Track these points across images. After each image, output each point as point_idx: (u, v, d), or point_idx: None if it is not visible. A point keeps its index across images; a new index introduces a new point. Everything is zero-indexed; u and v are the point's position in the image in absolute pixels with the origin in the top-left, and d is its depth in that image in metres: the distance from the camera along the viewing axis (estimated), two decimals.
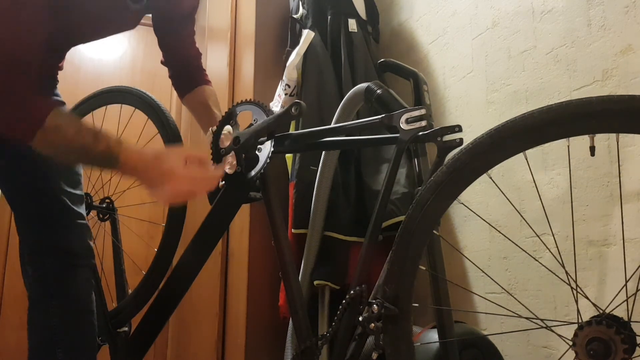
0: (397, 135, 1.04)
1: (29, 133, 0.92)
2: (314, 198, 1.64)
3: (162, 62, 1.42)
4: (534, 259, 1.11)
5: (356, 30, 1.95)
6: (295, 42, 1.93)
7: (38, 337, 1.14)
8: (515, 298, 1.09)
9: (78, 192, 1.25)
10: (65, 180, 1.21)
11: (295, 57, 1.85)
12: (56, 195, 1.19)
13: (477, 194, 1.60)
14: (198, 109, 1.41)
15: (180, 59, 1.41)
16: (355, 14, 1.98)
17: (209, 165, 1.13)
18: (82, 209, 1.24)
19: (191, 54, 1.42)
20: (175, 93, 1.47)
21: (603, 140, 1.26)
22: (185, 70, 1.42)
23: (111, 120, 1.60)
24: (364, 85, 1.29)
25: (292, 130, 1.88)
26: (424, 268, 0.91)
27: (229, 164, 1.18)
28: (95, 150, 0.97)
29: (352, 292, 0.99)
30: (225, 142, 1.17)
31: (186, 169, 1.03)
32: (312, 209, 1.64)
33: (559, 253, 0.90)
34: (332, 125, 1.43)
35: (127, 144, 1.00)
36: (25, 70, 0.96)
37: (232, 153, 1.17)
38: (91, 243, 1.25)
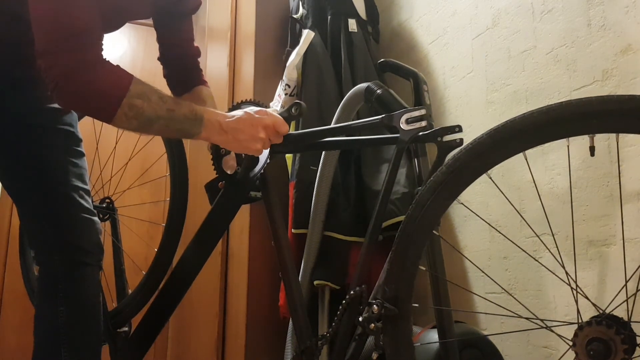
0: (397, 135, 1.04)
1: (115, 104, 0.91)
2: (314, 198, 1.64)
3: (158, 59, 1.40)
4: (534, 259, 1.11)
5: (356, 30, 1.95)
6: (295, 42, 1.93)
7: (44, 337, 1.12)
8: (515, 298, 1.09)
9: (85, 186, 1.21)
10: (72, 174, 1.18)
11: (295, 57, 1.85)
12: (64, 190, 1.15)
13: (477, 194, 1.59)
14: None
15: (179, 55, 1.38)
16: (355, 14, 1.98)
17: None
18: (90, 204, 1.20)
19: (190, 52, 1.40)
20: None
21: (603, 140, 1.26)
22: (183, 69, 1.40)
23: None
24: (364, 85, 1.29)
25: (292, 130, 1.89)
26: (424, 268, 0.91)
27: (230, 166, 1.18)
28: (179, 114, 0.97)
29: (352, 292, 0.99)
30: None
31: (265, 113, 1.08)
32: (312, 209, 1.65)
33: (559, 253, 0.91)
34: (332, 125, 1.43)
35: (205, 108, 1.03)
36: (97, 40, 0.96)
37: (232, 154, 1.17)
38: (101, 239, 1.21)
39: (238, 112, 1.07)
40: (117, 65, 0.97)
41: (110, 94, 0.93)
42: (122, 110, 0.93)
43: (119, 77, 0.94)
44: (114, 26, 1.19)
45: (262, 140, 1.06)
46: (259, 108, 1.10)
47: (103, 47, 0.99)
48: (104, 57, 0.96)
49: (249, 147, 1.06)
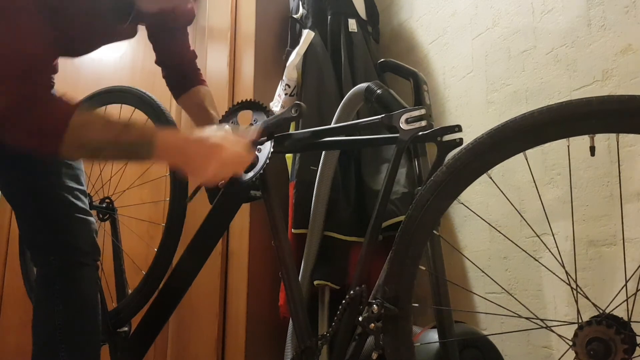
0: (397, 135, 1.04)
1: (56, 137, 0.90)
2: (314, 198, 1.64)
3: (156, 62, 1.40)
4: (534, 259, 1.11)
5: (356, 30, 1.95)
6: (295, 42, 1.93)
7: (42, 337, 1.12)
8: (515, 298, 1.09)
9: (81, 187, 1.22)
10: (66, 176, 1.19)
11: (295, 57, 1.85)
12: (58, 192, 1.16)
13: (477, 194, 1.59)
14: (194, 110, 1.40)
15: (175, 61, 1.39)
16: (355, 14, 1.98)
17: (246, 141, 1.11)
18: (85, 204, 1.21)
19: (186, 57, 1.40)
20: None
21: (603, 140, 1.25)
22: (180, 71, 1.40)
23: None
24: (364, 85, 1.29)
25: (292, 130, 1.89)
26: (424, 268, 0.91)
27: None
28: (128, 139, 0.94)
29: (352, 292, 0.99)
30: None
31: (231, 142, 1.02)
32: (312, 209, 1.64)
33: (559, 253, 0.90)
34: (332, 125, 1.43)
35: (160, 128, 0.98)
36: (39, 76, 0.94)
37: None
38: (96, 239, 1.22)
39: (209, 133, 1.02)
40: (60, 98, 0.95)
41: (53, 128, 0.91)
42: (66, 142, 0.90)
43: (61, 111, 0.92)
44: (89, 49, 1.18)
45: (213, 174, 1.01)
46: (238, 130, 1.06)
47: (53, 81, 0.98)
48: (49, 92, 0.94)
49: (199, 176, 1.02)
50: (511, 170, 1.48)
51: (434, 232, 0.90)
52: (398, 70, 1.46)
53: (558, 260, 0.85)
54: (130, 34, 1.22)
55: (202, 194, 1.26)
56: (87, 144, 0.93)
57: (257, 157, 1.14)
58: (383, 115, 1.07)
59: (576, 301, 0.81)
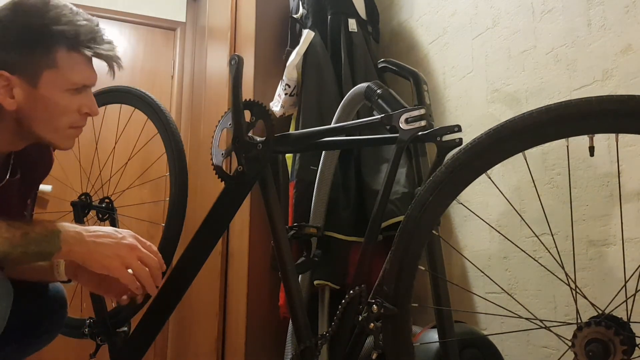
0: (397, 135, 1.04)
1: None
2: (314, 198, 1.64)
3: None
4: (534, 259, 1.11)
5: (356, 30, 1.95)
6: (295, 42, 1.93)
7: None
8: (514, 298, 1.09)
9: None
10: None
11: (295, 56, 1.85)
12: None
13: (477, 194, 1.59)
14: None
15: None
16: (355, 14, 1.98)
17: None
18: None
19: None
20: (175, 93, 1.46)
21: (603, 140, 1.25)
22: None
23: (111, 120, 1.60)
24: (364, 85, 1.29)
25: (292, 130, 1.89)
26: (423, 268, 0.91)
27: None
28: (33, 235, 0.90)
29: (351, 292, 0.99)
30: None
31: (144, 252, 0.99)
32: (312, 208, 1.64)
33: (559, 253, 0.90)
34: (332, 125, 1.43)
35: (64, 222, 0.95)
36: None
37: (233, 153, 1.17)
38: None
39: (105, 229, 0.99)
40: None
41: None
42: None
43: None
44: None
45: (123, 263, 0.96)
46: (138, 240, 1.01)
47: None
48: None
49: (110, 265, 0.96)
50: (511, 170, 1.48)
51: (434, 232, 0.90)
52: (398, 70, 1.46)
53: (557, 261, 0.85)
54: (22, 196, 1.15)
55: (202, 195, 1.26)
56: None
57: (257, 157, 1.14)
58: (383, 115, 1.07)
59: (575, 301, 0.81)
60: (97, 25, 1.04)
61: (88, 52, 1.01)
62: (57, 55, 0.98)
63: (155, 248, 1.04)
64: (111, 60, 1.06)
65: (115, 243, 0.97)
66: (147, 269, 1.00)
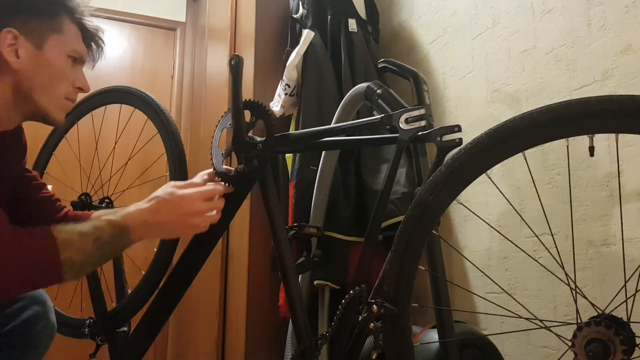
0: (397, 135, 1.04)
1: (55, 264, 0.88)
2: (314, 198, 1.64)
3: None
4: (534, 259, 1.11)
5: (356, 30, 1.95)
6: (295, 42, 1.93)
7: None
8: (514, 298, 1.09)
9: None
10: None
11: (295, 56, 1.85)
12: None
13: (477, 194, 1.59)
14: None
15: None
16: (355, 14, 1.98)
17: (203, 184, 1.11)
18: None
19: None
20: (175, 93, 1.46)
21: (603, 140, 1.25)
22: None
23: (111, 120, 1.60)
24: (364, 85, 1.29)
25: (292, 130, 1.89)
26: (423, 268, 0.91)
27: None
28: (105, 238, 0.94)
29: (351, 292, 0.99)
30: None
31: (195, 191, 1.03)
32: (312, 208, 1.64)
33: (559, 253, 0.90)
34: (332, 125, 1.43)
35: (120, 209, 0.99)
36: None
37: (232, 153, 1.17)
38: None
39: (162, 193, 1.02)
40: (31, 229, 0.90)
41: (46, 260, 0.88)
42: (64, 265, 0.89)
43: (42, 242, 0.89)
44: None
45: (192, 225, 1.02)
46: (183, 183, 1.06)
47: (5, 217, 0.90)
48: (11, 227, 0.89)
49: (180, 235, 1.04)
50: (511, 170, 1.48)
51: (434, 232, 0.90)
52: (398, 70, 1.46)
53: (557, 261, 0.85)
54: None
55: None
56: (78, 259, 0.92)
57: (257, 157, 1.14)
58: (383, 115, 1.07)
59: (575, 301, 0.81)
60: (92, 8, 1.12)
61: (88, 24, 1.09)
62: (63, 21, 1.05)
63: (199, 185, 1.08)
64: (99, 40, 1.13)
65: (178, 217, 1.01)
66: (208, 216, 1.05)
